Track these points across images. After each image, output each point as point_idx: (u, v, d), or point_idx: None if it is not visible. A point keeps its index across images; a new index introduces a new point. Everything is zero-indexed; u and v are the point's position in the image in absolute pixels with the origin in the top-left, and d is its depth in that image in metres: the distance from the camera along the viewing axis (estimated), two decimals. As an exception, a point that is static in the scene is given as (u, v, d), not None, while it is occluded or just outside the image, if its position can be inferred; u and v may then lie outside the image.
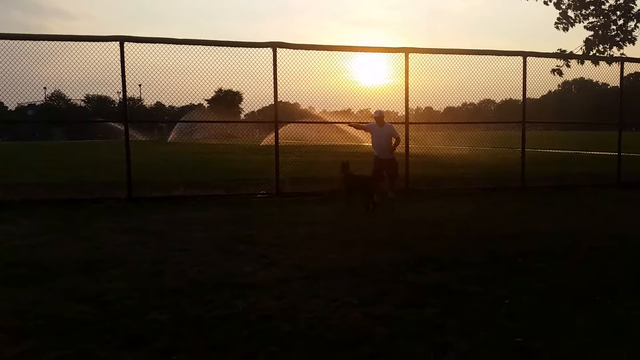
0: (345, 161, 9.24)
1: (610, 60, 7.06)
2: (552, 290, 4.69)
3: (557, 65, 7.11)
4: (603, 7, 6.65)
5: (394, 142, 10.22)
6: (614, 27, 6.68)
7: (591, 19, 6.77)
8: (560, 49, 7.02)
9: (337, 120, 14.98)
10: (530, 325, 3.86)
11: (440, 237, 6.96)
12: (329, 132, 16.84)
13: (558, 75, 7.18)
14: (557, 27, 6.94)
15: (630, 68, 13.40)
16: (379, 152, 10.21)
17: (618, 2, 6.66)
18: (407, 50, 11.42)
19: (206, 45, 10.66)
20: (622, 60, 12.28)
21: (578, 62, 7.23)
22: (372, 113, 10.59)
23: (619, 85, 13.11)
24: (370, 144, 10.78)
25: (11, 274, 5.20)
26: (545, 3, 6.84)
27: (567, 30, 6.90)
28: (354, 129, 11.69)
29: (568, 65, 7.10)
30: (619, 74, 12.83)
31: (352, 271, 5.27)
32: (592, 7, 6.63)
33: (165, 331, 3.75)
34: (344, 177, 9.20)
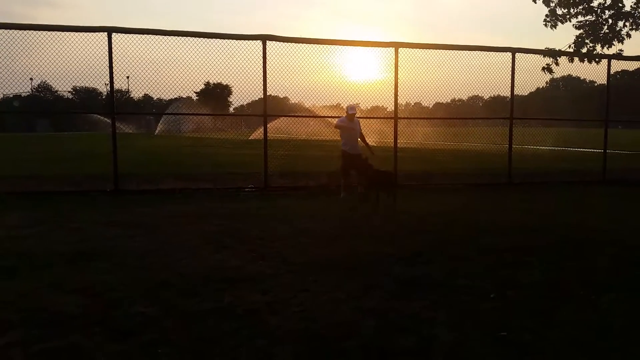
0: (366, 157, 9.46)
1: (598, 57, 7.14)
2: (538, 284, 4.74)
3: (546, 63, 7.17)
4: (592, 4, 6.71)
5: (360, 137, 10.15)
6: (605, 26, 6.76)
7: (580, 18, 6.83)
8: (547, 47, 7.10)
9: (326, 115, 14.95)
10: (516, 318, 3.90)
11: (428, 231, 6.99)
12: (318, 126, 16.83)
13: (548, 73, 7.25)
14: (545, 25, 7.01)
15: (617, 66, 13.54)
16: (349, 147, 9.91)
17: (606, 2, 6.72)
18: (396, 45, 11.42)
19: (195, 37, 10.58)
20: (610, 58, 12.40)
21: (568, 60, 7.30)
22: (347, 108, 9.97)
23: (605, 83, 13.23)
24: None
25: (-4, 266, 5.15)
26: (534, 0, 6.88)
27: (555, 27, 6.96)
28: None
29: (557, 63, 7.17)
30: (606, 72, 12.95)
31: (340, 265, 5.29)
32: (581, 7, 6.69)
33: (152, 324, 3.74)
34: (368, 173, 9.29)
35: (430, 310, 4.04)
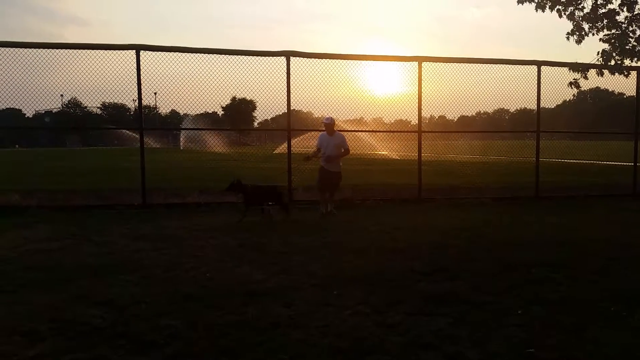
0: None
1: (626, 69, 7.01)
2: (566, 300, 4.64)
3: (574, 78, 7.06)
4: (617, 18, 6.62)
5: (342, 153, 9.56)
6: (631, 38, 6.65)
7: (606, 32, 6.74)
8: (577, 61, 7.00)
9: (350, 129, 14.97)
10: (543, 335, 3.82)
11: (453, 246, 6.93)
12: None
13: (575, 88, 7.14)
14: (567, 39, 6.93)
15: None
16: (325, 163, 9.41)
17: (632, 15, 6.62)
18: (420, 59, 11.42)
19: (221, 54, 10.74)
20: (638, 69, 12.18)
21: (597, 73, 7.18)
22: (323, 120, 9.65)
23: (635, 95, 12.98)
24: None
25: (26, 278, 5.27)
26: (560, 15, 6.82)
27: (580, 42, 6.89)
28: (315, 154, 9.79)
29: (586, 77, 7.06)
30: (635, 83, 12.72)
31: (363, 279, 5.27)
32: (605, 20, 6.61)
33: (177, 336, 3.78)
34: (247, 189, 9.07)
35: (455, 327, 3.99)
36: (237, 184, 8.95)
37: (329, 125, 9.35)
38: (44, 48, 10.02)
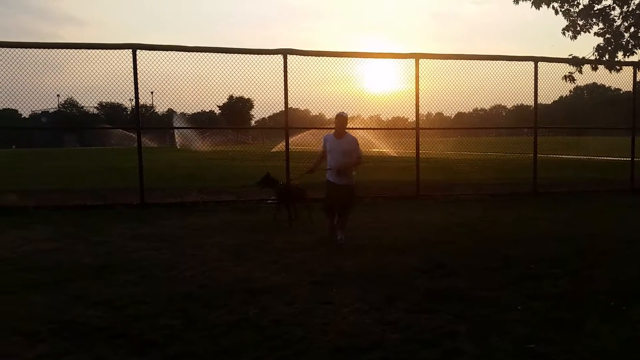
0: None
1: (622, 65, 7.01)
2: (565, 295, 4.65)
3: (569, 72, 7.05)
4: (610, 16, 6.64)
5: (353, 162, 7.13)
6: (626, 34, 6.66)
7: (601, 25, 6.75)
8: (572, 55, 7.00)
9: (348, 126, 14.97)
10: (543, 330, 3.83)
11: (452, 242, 6.93)
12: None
13: (570, 82, 7.13)
14: (563, 34, 6.95)
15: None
16: (332, 175, 7.11)
17: (627, 10, 6.62)
18: (417, 56, 11.41)
19: (217, 52, 10.70)
20: (635, 65, 12.20)
21: (592, 68, 7.19)
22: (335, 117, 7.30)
23: (631, 90, 13.00)
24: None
25: (25, 279, 5.26)
26: (556, 12, 6.83)
27: (575, 38, 6.90)
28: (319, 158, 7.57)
29: (580, 72, 7.06)
30: (632, 79, 12.73)
31: (363, 277, 5.27)
32: (601, 17, 6.63)
33: (177, 336, 3.78)
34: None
35: (454, 323, 3.99)
36: (267, 177, 8.75)
37: (342, 121, 7.08)
38: (40, 48, 9.97)
